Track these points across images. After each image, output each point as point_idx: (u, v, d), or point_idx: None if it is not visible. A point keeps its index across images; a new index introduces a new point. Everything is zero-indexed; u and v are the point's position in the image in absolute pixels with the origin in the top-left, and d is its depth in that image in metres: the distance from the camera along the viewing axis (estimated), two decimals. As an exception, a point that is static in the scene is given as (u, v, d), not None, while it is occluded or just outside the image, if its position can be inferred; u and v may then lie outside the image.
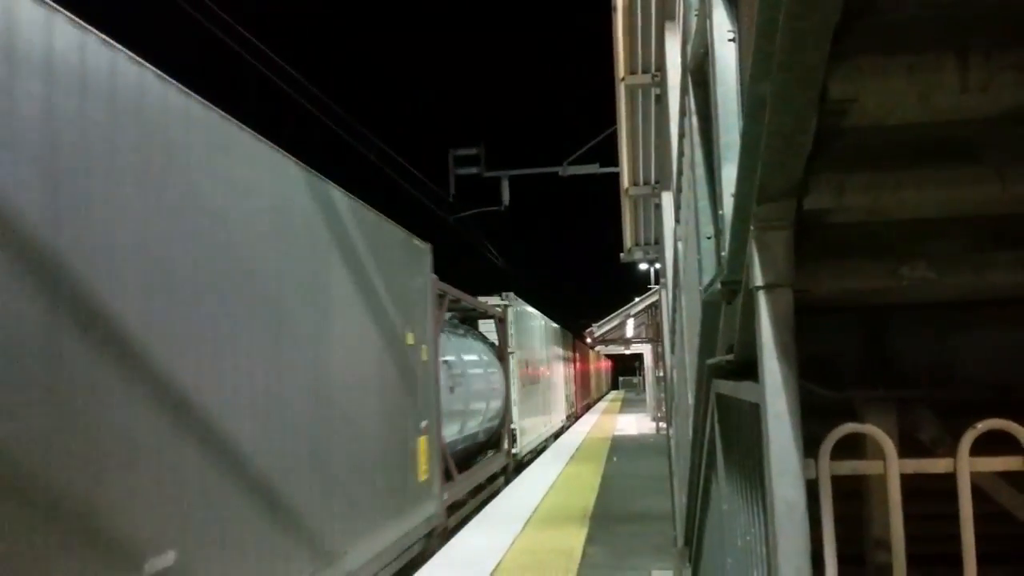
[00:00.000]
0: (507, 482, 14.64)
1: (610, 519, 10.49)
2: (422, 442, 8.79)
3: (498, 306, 16.02)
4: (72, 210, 3.45)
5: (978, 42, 1.57)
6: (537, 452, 19.27)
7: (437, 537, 9.23)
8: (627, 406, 43.20)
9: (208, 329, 4.46)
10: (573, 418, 30.66)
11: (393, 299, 8.01)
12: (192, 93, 4.43)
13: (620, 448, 20.22)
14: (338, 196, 6.56)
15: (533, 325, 19.81)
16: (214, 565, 4.32)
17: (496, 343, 16.17)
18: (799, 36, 1.35)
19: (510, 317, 16.44)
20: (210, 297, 4.50)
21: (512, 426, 16.26)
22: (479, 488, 12.91)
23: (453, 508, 10.75)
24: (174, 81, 4.25)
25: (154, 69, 4.07)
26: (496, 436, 15.40)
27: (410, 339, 8.58)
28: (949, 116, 1.70)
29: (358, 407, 6.82)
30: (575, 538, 9.32)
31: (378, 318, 7.52)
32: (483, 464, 13.67)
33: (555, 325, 25.98)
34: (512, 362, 16.36)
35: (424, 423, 8.92)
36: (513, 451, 16.13)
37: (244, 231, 4.96)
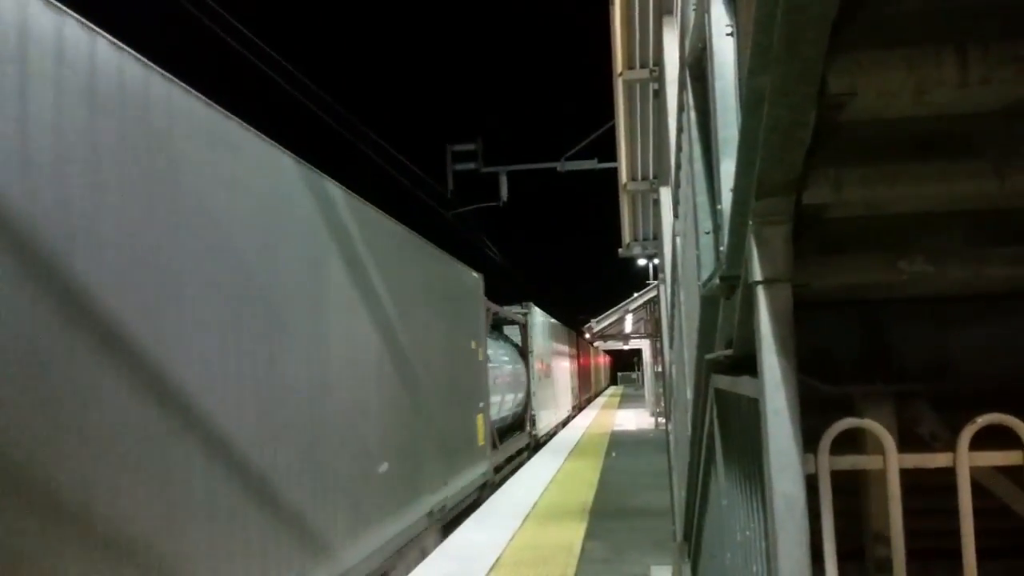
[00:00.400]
0: (528, 457, 18.34)
1: (609, 514, 10.51)
2: (479, 418, 12.60)
3: (520, 314, 20.05)
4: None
5: (977, 36, 1.57)
6: (550, 436, 23.21)
7: (488, 488, 12.91)
8: (626, 401, 43.27)
9: (362, 356, 7.16)
10: (577, 409, 34.29)
11: (462, 316, 11.88)
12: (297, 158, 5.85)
13: (619, 443, 20.25)
14: (439, 254, 10.52)
15: (545, 328, 23.17)
16: (412, 480, 8.44)
17: (519, 344, 20.05)
18: (797, 29, 1.34)
19: (529, 323, 20.23)
20: (372, 341, 7.50)
21: (532, 412, 20.01)
22: (510, 459, 16.71)
23: (495, 471, 14.13)
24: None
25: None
26: (520, 420, 19.08)
27: (473, 345, 12.40)
28: (948, 110, 1.70)
29: (450, 392, 10.68)
30: (574, 533, 9.33)
31: (454, 331, 11.27)
32: (514, 440, 17.55)
33: (560, 325, 28.41)
34: (531, 360, 20.11)
35: (481, 404, 12.77)
36: (533, 432, 20.15)
37: (393, 301, 8.19)
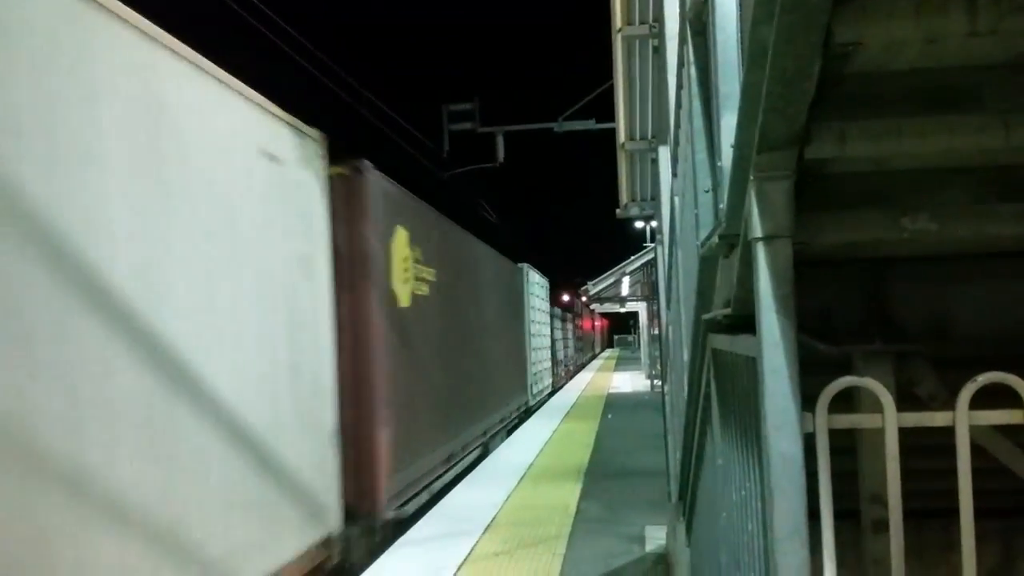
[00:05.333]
0: (551, 395, 24.49)
1: (605, 475, 10.58)
2: (521, 364, 19.49)
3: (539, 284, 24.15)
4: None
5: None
6: (567, 379, 31.69)
7: (525, 413, 19.09)
8: (622, 364, 43.47)
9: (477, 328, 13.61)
10: (579, 362, 40.55)
11: (512, 296, 18.41)
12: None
13: (615, 405, 20.36)
14: (504, 261, 17.08)
15: (543, 290, 25.80)
16: (496, 400, 15.03)
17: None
18: (804, -25, 1.30)
19: (526, 284, 23.43)
20: (469, 314, 12.85)
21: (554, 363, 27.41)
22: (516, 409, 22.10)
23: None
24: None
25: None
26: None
27: (518, 315, 19.24)
28: (956, 61, 1.66)
29: (510, 345, 17.47)
30: (570, 494, 9.40)
31: (508, 306, 17.49)
32: (540, 379, 23.02)
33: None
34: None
35: (523, 356, 19.87)
36: (558, 374, 28.69)
37: (478, 294, 13.67)
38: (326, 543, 6.28)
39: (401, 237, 8.37)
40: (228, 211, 5.14)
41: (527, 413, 19.00)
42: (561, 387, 27.54)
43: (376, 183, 7.53)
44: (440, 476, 9.87)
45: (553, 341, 26.66)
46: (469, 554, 7.00)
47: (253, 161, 5.53)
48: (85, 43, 3.84)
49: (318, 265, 6.55)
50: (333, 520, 6.45)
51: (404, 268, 8.48)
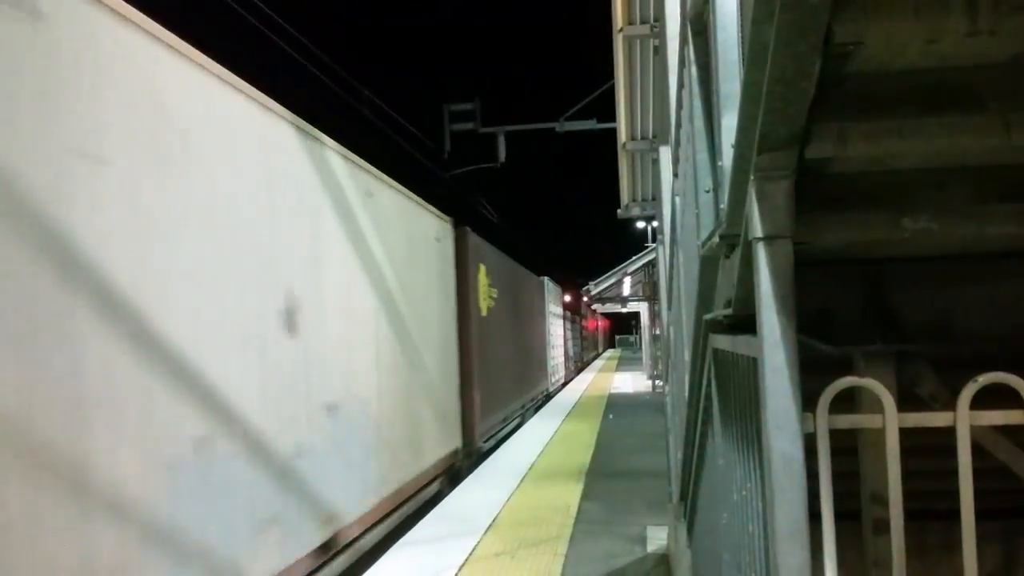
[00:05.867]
0: (564, 385, 28.85)
1: (606, 475, 10.58)
2: (543, 357, 23.13)
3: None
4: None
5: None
6: (576, 372, 36.28)
7: (546, 398, 23.03)
8: (623, 364, 43.46)
9: (510, 319, 17.60)
10: (583, 360, 43.83)
11: (535, 303, 22.13)
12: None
13: (616, 405, 20.36)
14: (531, 276, 22.18)
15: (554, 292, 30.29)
16: (528, 385, 19.97)
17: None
18: (803, -26, 1.29)
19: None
20: (515, 319, 18.05)
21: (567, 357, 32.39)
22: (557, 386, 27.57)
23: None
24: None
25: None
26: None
27: (538, 315, 22.68)
28: (956, 61, 1.65)
29: (536, 343, 22.07)
30: (571, 494, 9.39)
31: (533, 311, 21.45)
32: (556, 370, 27.55)
33: (555, 286, 32.70)
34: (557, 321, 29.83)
35: (545, 352, 23.51)
36: (569, 368, 32.88)
37: (518, 304, 18.82)
38: (455, 453, 11.47)
39: (482, 271, 13.46)
40: (425, 268, 10.10)
41: (547, 398, 24.14)
42: (571, 380, 32.64)
43: (472, 239, 12.49)
44: (500, 429, 15.29)
45: (565, 340, 31.53)
46: (470, 554, 7.00)
47: (433, 242, 10.56)
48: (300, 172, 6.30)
49: (451, 293, 11.59)
50: (457, 441, 11.67)
51: (483, 291, 13.44)
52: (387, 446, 8.12)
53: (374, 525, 7.60)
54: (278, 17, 8.97)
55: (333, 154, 6.92)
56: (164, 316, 4.18)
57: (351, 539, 6.93)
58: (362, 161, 7.52)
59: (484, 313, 13.34)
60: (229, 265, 4.92)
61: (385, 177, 8.34)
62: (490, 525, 8.02)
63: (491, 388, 13.91)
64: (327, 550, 6.27)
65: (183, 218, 4.40)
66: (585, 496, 9.29)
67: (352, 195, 7.32)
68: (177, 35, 4.34)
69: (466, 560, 6.82)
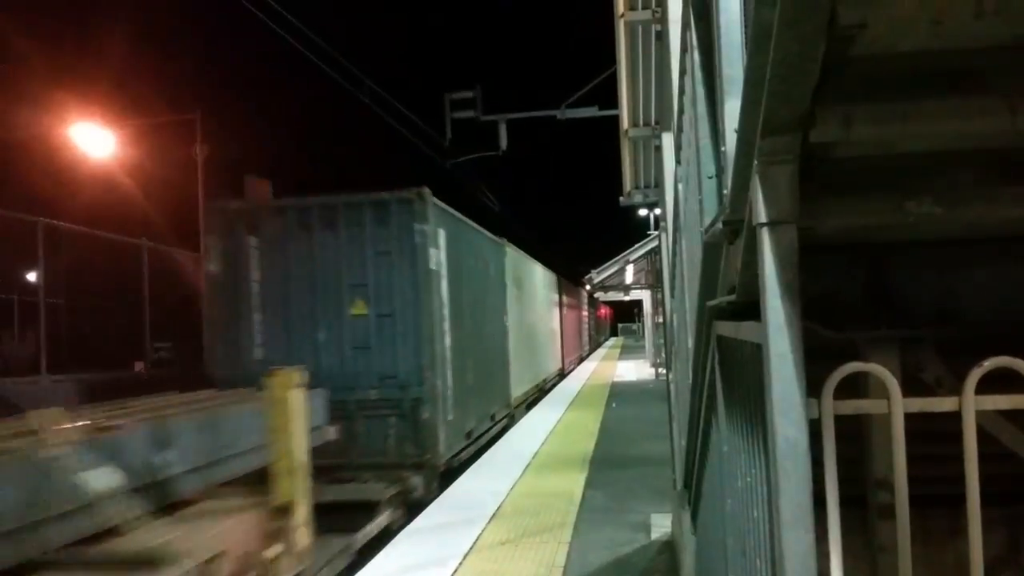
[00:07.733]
0: (577, 364, 36.40)
1: (609, 464, 10.59)
2: (559, 343, 30.99)
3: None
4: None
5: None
6: (582, 359, 40.52)
7: (558, 378, 28.85)
8: (626, 352, 43.52)
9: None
10: (588, 347, 47.85)
11: (552, 295, 28.60)
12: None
13: (619, 394, 20.40)
14: (548, 271, 28.59)
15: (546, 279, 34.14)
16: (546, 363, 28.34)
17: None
18: (807, -45, 1.28)
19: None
20: (539, 308, 26.96)
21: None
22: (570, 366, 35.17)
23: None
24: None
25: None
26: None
27: (554, 307, 30.18)
28: (961, 43, 1.63)
29: (552, 328, 28.69)
30: (575, 482, 9.41)
31: (550, 301, 28.22)
32: (569, 355, 33.57)
33: (554, 275, 33.51)
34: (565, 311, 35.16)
35: (558, 336, 31.27)
36: (579, 355, 38.89)
37: (547, 296, 28.78)
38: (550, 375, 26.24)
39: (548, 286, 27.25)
40: (547, 302, 26.38)
41: (561, 376, 29.37)
42: (586, 356, 41.72)
43: (551, 275, 27.69)
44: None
45: (580, 324, 38.97)
46: (475, 542, 7.02)
47: (552, 287, 27.91)
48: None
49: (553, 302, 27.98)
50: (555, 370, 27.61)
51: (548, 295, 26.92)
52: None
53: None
54: (275, 4, 8.94)
55: (538, 265, 23.57)
56: (541, 333, 23.15)
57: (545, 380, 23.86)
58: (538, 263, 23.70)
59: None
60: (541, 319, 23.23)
61: (538, 263, 24.19)
62: (495, 513, 8.04)
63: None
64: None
65: (536, 309, 22.59)
66: (589, 484, 9.31)
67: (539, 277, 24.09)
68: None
69: (471, 548, 6.84)
